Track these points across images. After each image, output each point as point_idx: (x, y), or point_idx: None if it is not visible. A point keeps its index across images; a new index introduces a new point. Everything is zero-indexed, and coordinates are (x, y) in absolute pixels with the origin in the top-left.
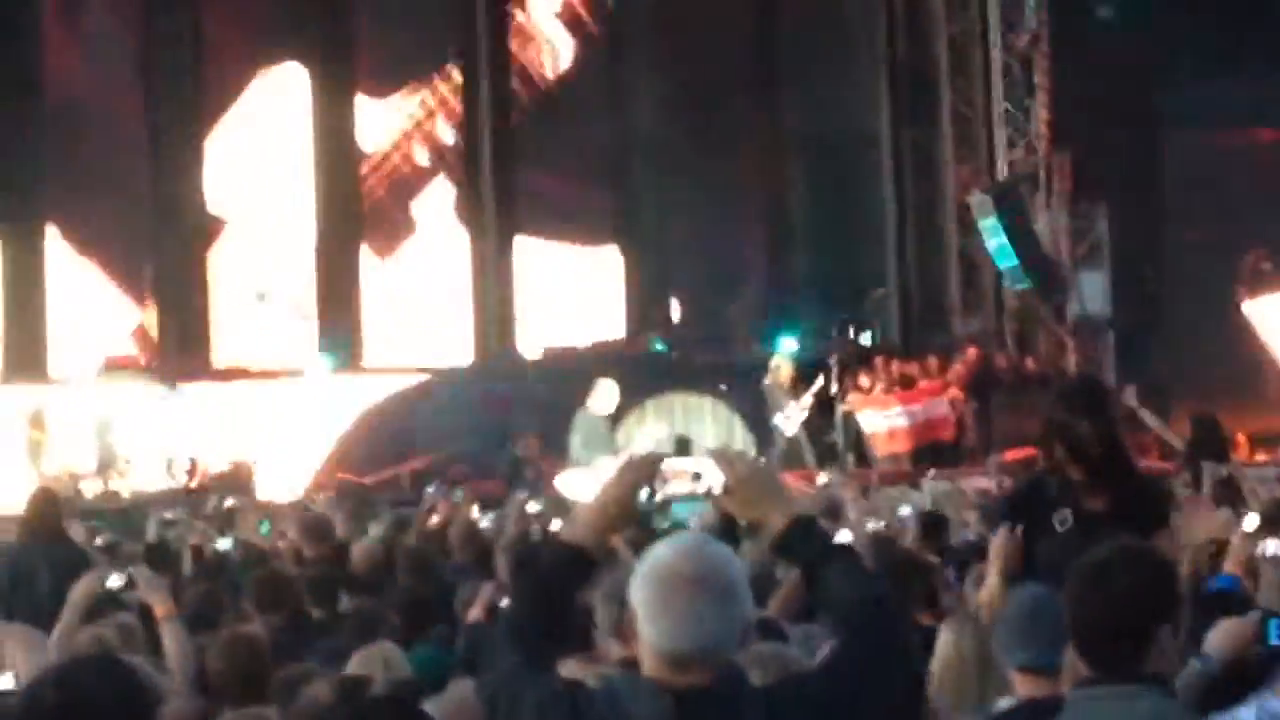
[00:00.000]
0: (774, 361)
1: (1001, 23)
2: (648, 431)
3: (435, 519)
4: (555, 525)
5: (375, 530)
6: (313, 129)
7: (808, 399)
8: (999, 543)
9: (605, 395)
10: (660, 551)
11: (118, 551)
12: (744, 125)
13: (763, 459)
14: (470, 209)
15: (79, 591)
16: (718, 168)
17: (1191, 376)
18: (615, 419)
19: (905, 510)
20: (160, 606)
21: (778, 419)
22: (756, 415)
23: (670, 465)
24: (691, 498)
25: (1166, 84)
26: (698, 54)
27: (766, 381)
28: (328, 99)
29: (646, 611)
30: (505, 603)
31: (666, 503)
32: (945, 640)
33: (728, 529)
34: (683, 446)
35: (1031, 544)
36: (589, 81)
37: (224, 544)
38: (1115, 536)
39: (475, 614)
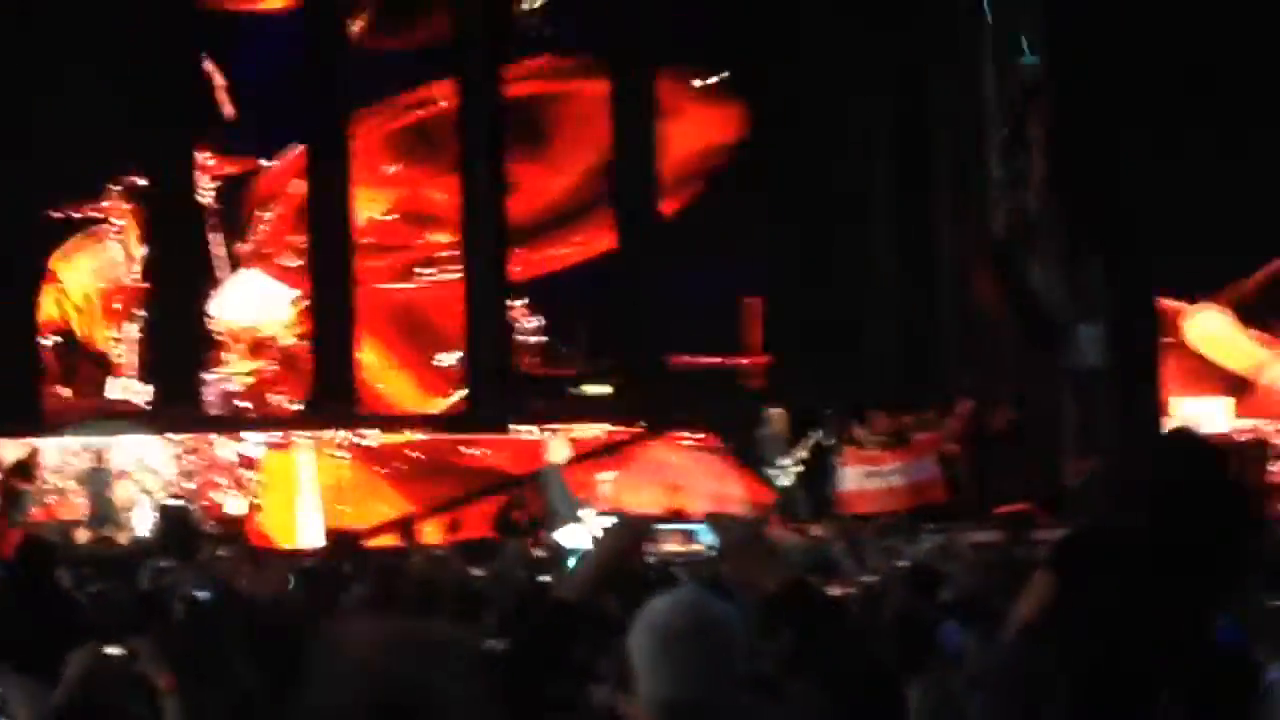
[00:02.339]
0: (770, 412)
1: (997, 78)
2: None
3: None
4: (547, 577)
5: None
6: None
7: (803, 451)
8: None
9: (560, 448)
10: (658, 605)
11: (109, 601)
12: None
13: (757, 517)
14: None
15: (76, 663)
16: (708, 223)
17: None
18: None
19: (901, 564)
20: (163, 680)
21: (771, 472)
22: (752, 467)
23: (663, 528)
24: (686, 559)
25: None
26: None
27: (762, 433)
28: None
29: (645, 664)
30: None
31: (660, 563)
32: (918, 698)
33: (721, 584)
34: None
35: (1073, 599)
36: None
37: (202, 594)
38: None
39: None
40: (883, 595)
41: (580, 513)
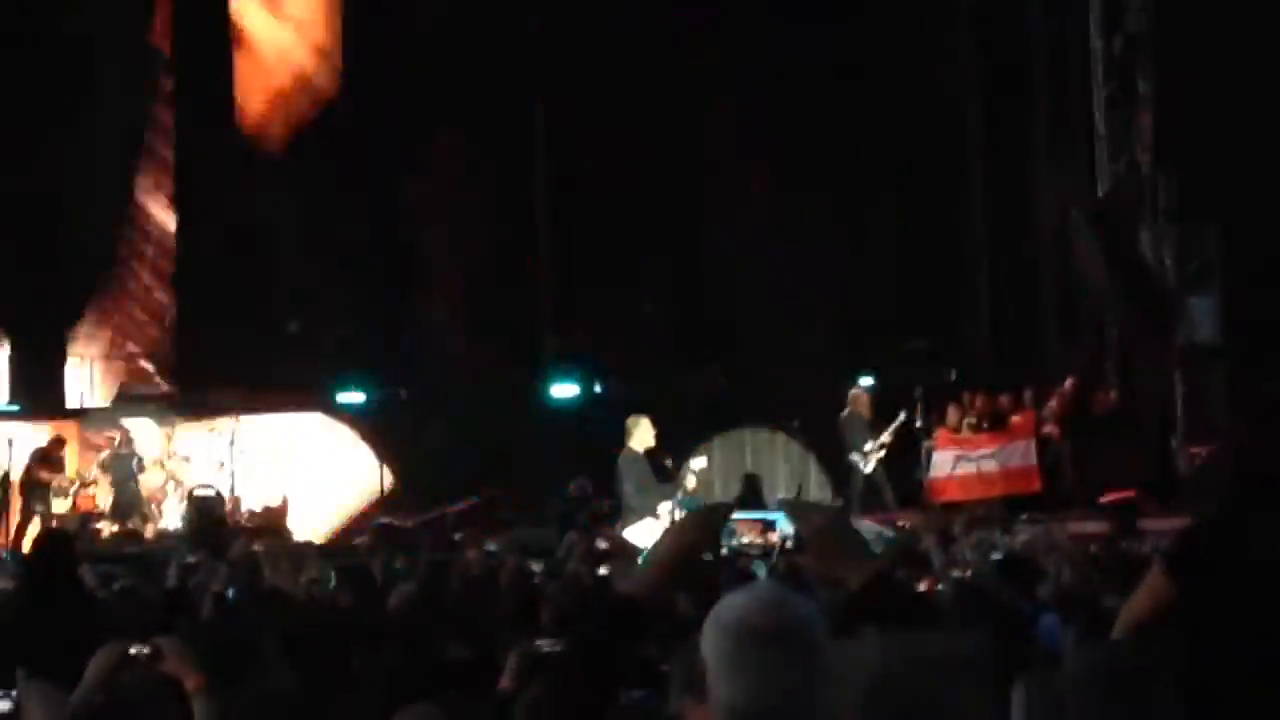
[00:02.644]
0: (853, 393)
1: (1103, 22)
2: (698, 466)
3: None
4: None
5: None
6: None
7: (888, 435)
8: (1148, 582)
9: (644, 432)
10: (734, 602)
11: (135, 598)
12: (822, 138)
13: (838, 505)
14: None
15: (98, 664)
16: (796, 185)
17: None
18: (677, 458)
19: (996, 557)
20: (191, 679)
21: (855, 456)
22: (832, 453)
23: (740, 517)
24: (762, 553)
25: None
26: (772, 68)
27: (845, 414)
28: None
29: (720, 668)
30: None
31: (736, 557)
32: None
33: (799, 578)
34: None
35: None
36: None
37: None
38: None
39: (505, 683)
40: (976, 590)
41: (661, 503)
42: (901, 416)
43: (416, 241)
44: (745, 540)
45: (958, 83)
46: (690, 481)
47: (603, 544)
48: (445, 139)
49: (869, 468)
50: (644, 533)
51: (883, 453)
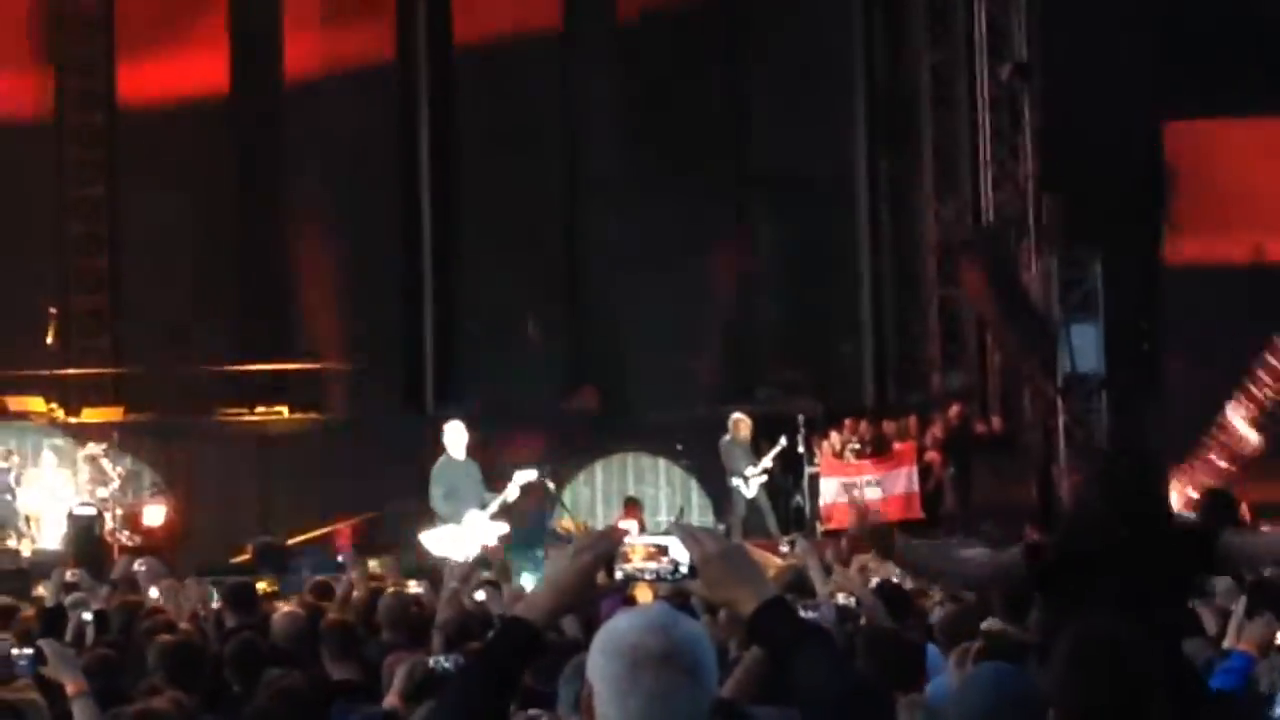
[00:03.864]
0: (734, 417)
1: (988, 51)
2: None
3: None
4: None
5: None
6: None
7: (770, 460)
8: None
9: (457, 437)
10: (624, 624)
11: (13, 617)
12: (707, 160)
13: (724, 528)
14: None
15: None
16: (677, 208)
17: (1194, 443)
18: (557, 482)
19: (875, 583)
20: (71, 684)
21: (736, 481)
22: (714, 477)
23: (631, 541)
24: (656, 576)
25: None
26: (660, 85)
27: (726, 439)
28: None
29: (609, 690)
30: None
31: (629, 580)
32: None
33: (685, 602)
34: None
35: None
36: (540, 117)
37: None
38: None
39: (391, 700)
40: (857, 617)
41: (472, 513)
42: (783, 442)
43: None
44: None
45: (843, 108)
46: (513, 494)
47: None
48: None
49: (751, 492)
50: (442, 540)
51: (765, 478)
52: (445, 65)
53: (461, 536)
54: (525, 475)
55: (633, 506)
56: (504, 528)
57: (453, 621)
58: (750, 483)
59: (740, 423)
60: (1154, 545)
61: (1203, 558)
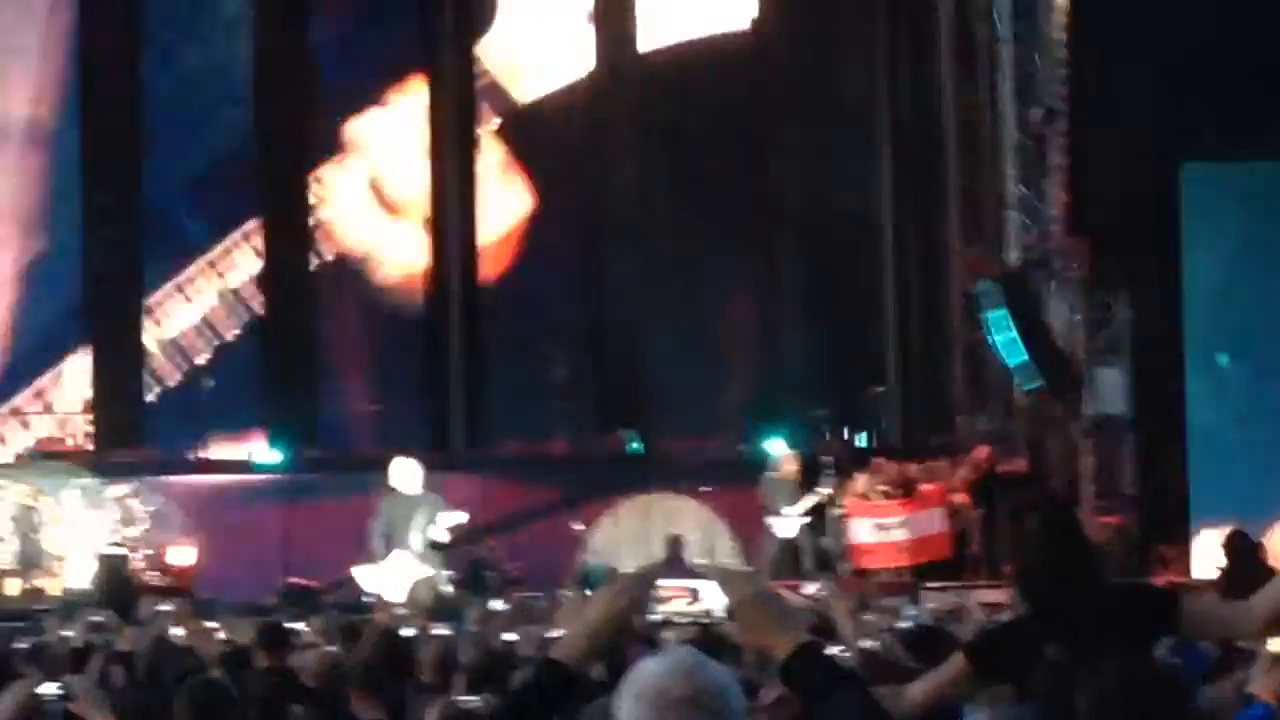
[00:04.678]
0: (782, 454)
1: (1015, 95)
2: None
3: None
4: (514, 635)
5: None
6: None
7: (811, 501)
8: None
9: (406, 474)
10: (651, 668)
11: (42, 657)
12: (733, 202)
13: (758, 572)
14: None
15: (7, 702)
16: (704, 248)
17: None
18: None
19: (904, 626)
20: None
21: (775, 520)
22: (743, 518)
23: (665, 584)
24: (690, 620)
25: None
26: (684, 125)
27: (770, 475)
28: None
29: None
30: None
31: (663, 624)
32: None
33: (712, 645)
34: (675, 548)
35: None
36: (565, 155)
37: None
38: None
39: None
40: (884, 661)
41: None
42: (828, 492)
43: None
44: (671, 607)
45: (869, 150)
46: (440, 536)
47: (506, 607)
48: None
49: (789, 532)
50: (372, 576)
51: (806, 519)
52: (471, 103)
53: (390, 574)
54: (454, 517)
55: (674, 546)
56: (429, 569)
57: (478, 663)
58: (788, 522)
59: (788, 459)
60: (1095, 608)
61: (1160, 622)
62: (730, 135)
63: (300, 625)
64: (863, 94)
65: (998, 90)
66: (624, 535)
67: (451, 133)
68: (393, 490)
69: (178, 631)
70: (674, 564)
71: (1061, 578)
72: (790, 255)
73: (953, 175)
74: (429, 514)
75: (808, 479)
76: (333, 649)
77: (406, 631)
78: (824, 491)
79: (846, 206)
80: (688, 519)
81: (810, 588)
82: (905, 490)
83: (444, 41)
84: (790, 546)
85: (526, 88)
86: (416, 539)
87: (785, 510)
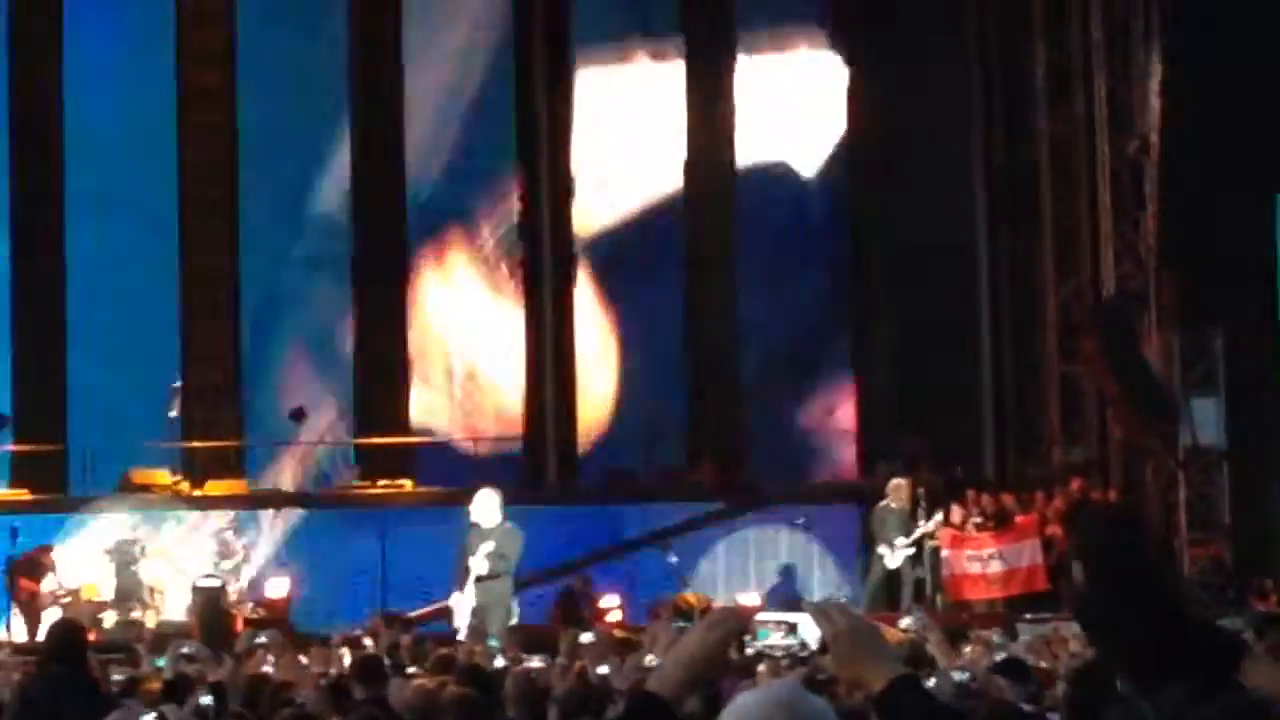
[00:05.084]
0: (895, 482)
1: (1109, 126)
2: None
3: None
4: (606, 668)
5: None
6: None
7: (921, 531)
8: None
9: (485, 506)
10: (750, 701)
11: (137, 689)
12: (824, 231)
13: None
14: None
15: None
16: (798, 283)
17: None
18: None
19: (998, 658)
20: None
21: (883, 549)
22: (838, 548)
23: (762, 617)
24: (786, 653)
25: None
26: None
27: (883, 504)
28: None
29: None
30: None
31: (759, 657)
32: None
33: (811, 679)
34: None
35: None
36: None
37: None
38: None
39: None
40: (978, 694)
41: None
42: (939, 517)
43: None
44: (770, 640)
45: (963, 183)
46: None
47: (591, 638)
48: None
49: (895, 563)
50: (463, 605)
51: (913, 550)
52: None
53: (465, 605)
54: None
55: (784, 576)
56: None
57: (570, 695)
58: (897, 553)
59: (900, 488)
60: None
61: (1223, 672)
62: (827, 170)
63: (396, 656)
64: (957, 126)
65: (1093, 122)
66: (721, 567)
67: None
68: (474, 523)
69: (272, 662)
70: (773, 595)
71: (1116, 599)
72: (886, 289)
73: (1047, 207)
74: (493, 545)
75: (917, 509)
76: (427, 681)
77: (498, 663)
78: (937, 521)
79: (942, 239)
80: (781, 551)
81: (905, 620)
82: (999, 522)
83: None
84: (893, 577)
85: None
86: (481, 568)
87: (897, 541)
